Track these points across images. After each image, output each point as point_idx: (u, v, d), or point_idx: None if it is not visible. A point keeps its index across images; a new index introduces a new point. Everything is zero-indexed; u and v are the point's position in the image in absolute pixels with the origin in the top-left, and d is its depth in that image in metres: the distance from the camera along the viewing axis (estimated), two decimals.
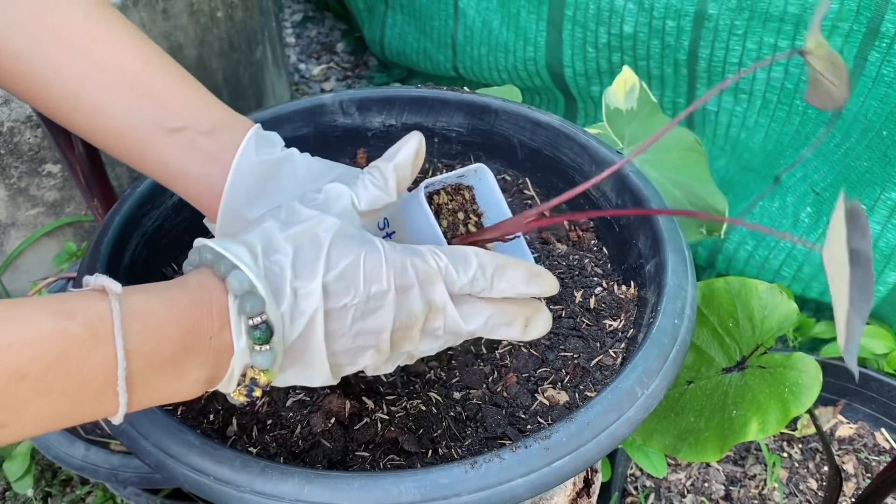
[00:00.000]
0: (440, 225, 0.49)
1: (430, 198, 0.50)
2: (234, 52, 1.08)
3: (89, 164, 0.73)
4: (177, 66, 0.46)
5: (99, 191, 0.76)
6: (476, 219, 0.51)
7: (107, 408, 0.33)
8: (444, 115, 0.65)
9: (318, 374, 0.39)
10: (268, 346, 0.35)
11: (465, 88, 0.66)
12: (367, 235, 0.40)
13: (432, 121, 0.65)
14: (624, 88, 0.70)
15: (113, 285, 0.33)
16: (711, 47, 0.85)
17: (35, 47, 0.42)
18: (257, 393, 0.37)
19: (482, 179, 0.50)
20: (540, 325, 0.44)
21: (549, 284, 0.43)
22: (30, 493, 0.91)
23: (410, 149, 0.45)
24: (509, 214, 0.49)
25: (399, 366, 0.43)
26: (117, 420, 0.34)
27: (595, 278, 0.58)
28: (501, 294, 0.42)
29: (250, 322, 0.35)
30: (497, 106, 0.63)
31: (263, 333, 0.35)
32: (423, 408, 0.49)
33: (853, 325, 0.34)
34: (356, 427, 0.48)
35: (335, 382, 0.40)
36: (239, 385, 0.37)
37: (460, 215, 0.50)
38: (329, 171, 0.48)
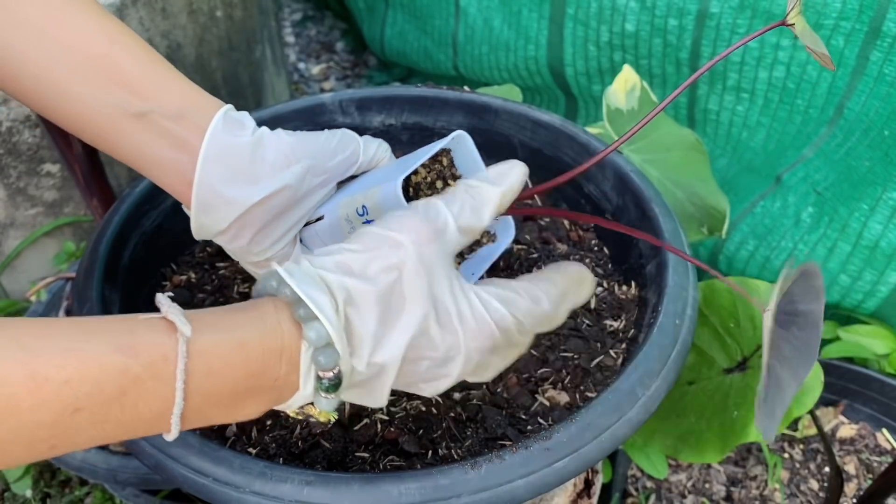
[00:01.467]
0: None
1: (406, 179, 0.49)
2: (233, 51, 1.08)
3: (88, 163, 0.73)
4: (145, 46, 0.44)
5: (98, 191, 0.75)
6: (454, 183, 0.50)
7: (157, 432, 0.33)
8: (444, 114, 0.65)
9: (378, 403, 0.38)
10: (334, 395, 0.35)
11: (466, 88, 0.66)
12: (460, 281, 0.38)
13: (432, 120, 0.65)
14: (625, 88, 0.69)
15: (184, 327, 0.32)
16: (714, 46, 0.85)
17: (1, 33, 0.41)
18: (317, 423, 0.38)
19: (460, 143, 0.48)
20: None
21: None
22: (28, 493, 0.90)
23: (517, 178, 0.42)
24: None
25: None
26: (169, 439, 0.34)
27: (596, 278, 0.57)
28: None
29: (321, 374, 0.34)
30: (497, 105, 0.63)
31: (332, 384, 0.35)
32: (423, 408, 0.49)
33: (784, 386, 0.33)
34: (356, 428, 0.48)
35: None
36: (300, 416, 0.38)
37: (438, 184, 0.49)
38: (301, 147, 0.45)
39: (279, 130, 0.46)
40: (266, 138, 0.45)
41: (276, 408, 0.37)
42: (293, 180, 0.44)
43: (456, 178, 0.50)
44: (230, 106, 0.45)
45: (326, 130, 0.47)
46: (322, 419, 0.37)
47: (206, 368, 0.33)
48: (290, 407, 0.36)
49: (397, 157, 0.51)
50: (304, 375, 0.34)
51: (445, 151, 0.50)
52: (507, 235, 0.51)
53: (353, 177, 0.49)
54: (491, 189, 0.41)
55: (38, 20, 0.41)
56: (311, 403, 0.36)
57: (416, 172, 0.48)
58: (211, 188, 0.43)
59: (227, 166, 0.43)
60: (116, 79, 0.42)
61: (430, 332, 0.36)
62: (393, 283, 0.36)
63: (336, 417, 0.37)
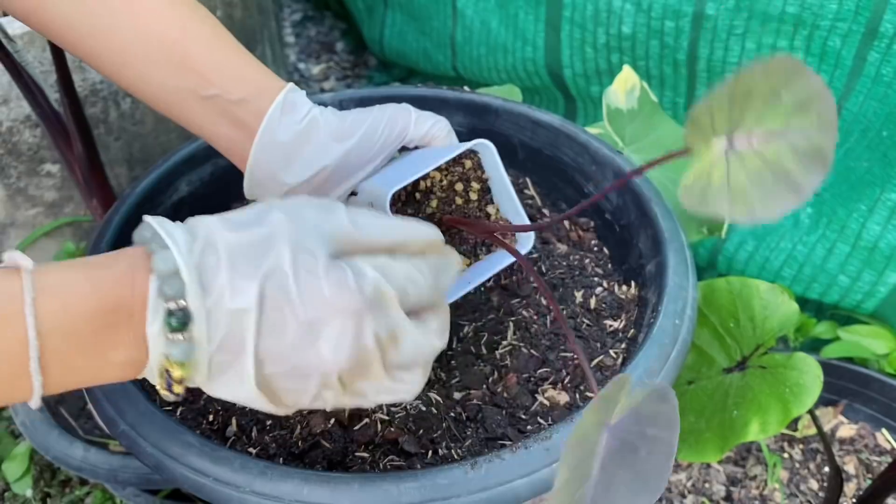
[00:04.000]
0: (430, 205, 0.48)
1: (416, 184, 0.48)
2: None
3: (88, 164, 0.73)
4: (216, 31, 0.47)
5: (98, 191, 0.75)
6: (479, 185, 0.49)
7: (21, 391, 0.32)
8: (443, 114, 0.64)
9: (249, 395, 0.34)
10: (182, 336, 0.32)
11: (466, 88, 0.66)
12: (329, 258, 0.34)
13: None
14: (624, 88, 0.70)
15: (25, 262, 0.32)
16: (711, 47, 0.85)
17: (86, 19, 0.45)
18: (176, 389, 0.34)
19: (484, 154, 0.48)
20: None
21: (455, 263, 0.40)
22: (29, 493, 0.90)
23: (427, 238, 0.38)
24: (513, 193, 0.48)
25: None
26: (34, 404, 0.32)
27: (595, 278, 0.57)
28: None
29: (167, 306, 0.32)
30: (497, 105, 0.63)
31: (179, 321, 0.32)
32: (424, 408, 0.49)
33: None
34: (356, 428, 0.48)
35: (280, 412, 0.36)
36: (161, 377, 0.34)
37: (459, 186, 0.49)
38: (350, 126, 0.47)
39: (330, 110, 0.48)
40: (316, 121, 0.48)
41: (149, 379, 0.35)
42: (333, 161, 0.47)
43: (482, 180, 0.49)
44: (291, 87, 0.48)
45: (378, 106, 0.49)
46: (177, 375, 0.33)
47: (59, 304, 0.31)
48: (151, 359, 0.34)
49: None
50: (151, 309, 0.32)
51: (471, 153, 0.49)
52: (523, 247, 0.50)
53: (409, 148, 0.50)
54: (382, 218, 0.37)
55: (121, 10, 0.45)
56: (168, 358, 0.33)
57: (427, 177, 0.48)
58: (262, 168, 0.47)
59: (277, 150, 0.47)
60: (187, 65, 0.46)
61: (287, 286, 0.33)
62: (257, 240, 0.34)
63: (191, 374, 0.34)
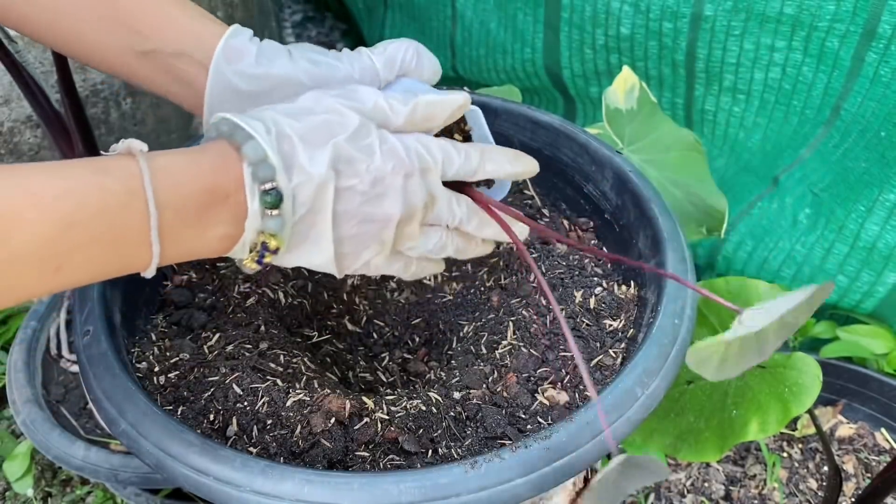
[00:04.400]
0: None
1: None
2: None
3: None
4: None
5: None
6: (462, 137, 0.50)
7: (139, 260, 0.36)
8: None
9: (323, 256, 0.41)
10: (277, 212, 0.38)
11: (465, 88, 0.66)
12: (379, 130, 0.42)
13: None
14: (624, 88, 0.70)
15: (140, 145, 0.36)
16: (709, 48, 0.86)
17: None
18: (267, 259, 0.40)
19: (468, 113, 0.49)
20: (518, 230, 0.48)
21: (531, 164, 0.49)
22: (30, 492, 0.91)
23: (453, 104, 0.45)
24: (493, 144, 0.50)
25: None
26: (150, 273, 0.37)
27: (595, 278, 0.58)
28: (487, 176, 0.46)
29: (262, 187, 0.37)
30: (497, 105, 0.63)
31: (273, 198, 0.38)
32: (423, 408, 0.49)
33: None
34: (356, 427, 0.48)
35: (338, 274, 0.43)
36: (251, 252, 0.40)
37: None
38: (309, 72, 0.46)
39: (283, 55, 0.46)
40: (270, 69, 0.45)
41: (236, 256, 0.40)
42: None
43: (464, 131, 0.50)
44: (231, 31, 0.45)
45: (334, 51, 0.48)
46: (273, 245, 0.39)
47: (170, 182, 0.36)
48: (247, 239, 0.39)
49: None
50: (249, 191, 0.38)
51: None
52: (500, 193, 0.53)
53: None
54: (430, 94, 0.44)
55: None
56: (263, 232, 0.39)
57: None
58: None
59: (231, 105, 0.46)
60: (118, 19, 0.45)
61: (353, 159, 0.40)
62: (319, 124, 0.40)
63: (284, 244, 0.40)
